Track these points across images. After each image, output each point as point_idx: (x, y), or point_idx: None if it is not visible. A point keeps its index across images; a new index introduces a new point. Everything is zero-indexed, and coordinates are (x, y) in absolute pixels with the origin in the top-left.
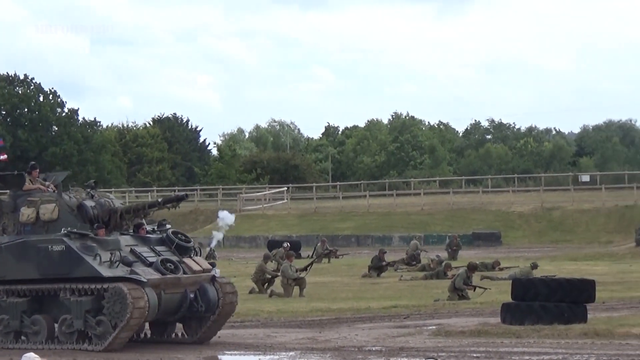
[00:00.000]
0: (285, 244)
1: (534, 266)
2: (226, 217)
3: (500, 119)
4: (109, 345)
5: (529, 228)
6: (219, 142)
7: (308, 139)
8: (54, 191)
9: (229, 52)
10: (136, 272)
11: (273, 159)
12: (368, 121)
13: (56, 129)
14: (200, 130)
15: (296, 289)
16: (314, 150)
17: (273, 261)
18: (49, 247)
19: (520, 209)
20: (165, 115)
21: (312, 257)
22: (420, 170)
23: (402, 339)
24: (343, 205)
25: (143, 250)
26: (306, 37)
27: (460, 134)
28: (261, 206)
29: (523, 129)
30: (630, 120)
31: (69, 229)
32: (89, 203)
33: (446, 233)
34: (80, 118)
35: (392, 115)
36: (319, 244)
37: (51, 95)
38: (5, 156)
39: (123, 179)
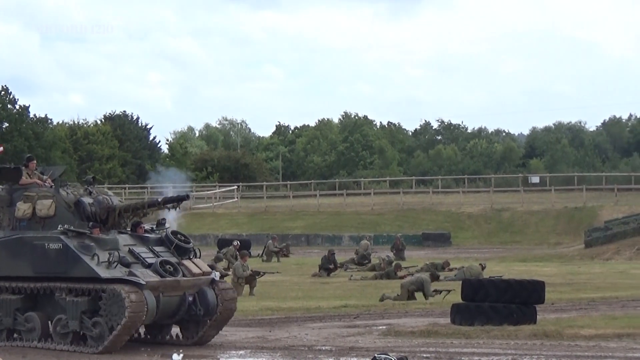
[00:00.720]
0: (235, 242)
1: (483, 267)
2: None
3: (450, 120)
4: (106, 348)
5: (479, 229)
6: (170, 140)
7: (259, 137)
8: (51, 186)
9: (180, 51)
10: (134, 273)
11: (223, 157)
12: (319, 120)
13: (7, 125)
14: (151, 128)
15: (246, 288)
16: (264, 149)
17: (224, 260)
18: (46, 244)
19: (470, 209)
20: (116, 113)
21: (262, 255)
22: (371, 170)
23: (352, 339)
24: (293, 205)
25: (142, 251)
26: (258, 36)
27: (411, 134)
28: (211, 205)
29: (473, 130)
30: (580, 122)
31: (65, 226)
32: (87, 200)
33: (396, 233)
34: (31, 115)
35: (343, 115)
36: (269, 242)
37: (3, 92)
38: (2, 148)
39: (74, 176)
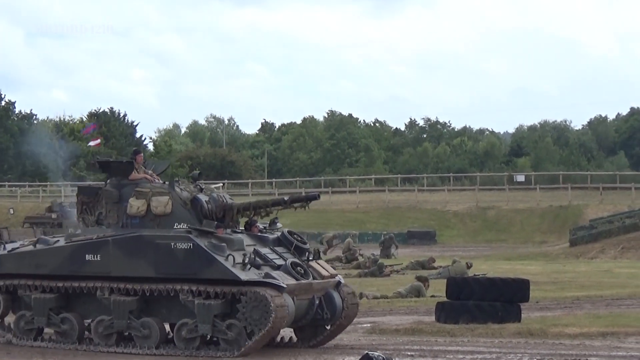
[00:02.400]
0: None
1: (469, 265)
2: None
3: (437, 118)
4: (242, 353)
5: (464, 227)
6: (155, 137)
7: (245, 135)
8: (164, 182)
9: (165, 48)
10: (272, 276)
11: (209, 154)
12: (304, 118)
13: None
14: (137, 125)
15: None
16: (250, 147)
17: None
18: (172, 244)
19: (456, 208)
20: (101, 110)
21: None
22: (356, 168)
23: (336, 337)
24: None
25: (266, 252)
26: (242, 33)
27: (396, 133)
28: None
29: (458, 128)
30: (565, 121)
31: (186, 225)
32: (203, 197)
33: (381, 231)
34: (16, 111)
35: (328, 113)
36: None
37: None
38: (99, 141)
39: (59, 173)
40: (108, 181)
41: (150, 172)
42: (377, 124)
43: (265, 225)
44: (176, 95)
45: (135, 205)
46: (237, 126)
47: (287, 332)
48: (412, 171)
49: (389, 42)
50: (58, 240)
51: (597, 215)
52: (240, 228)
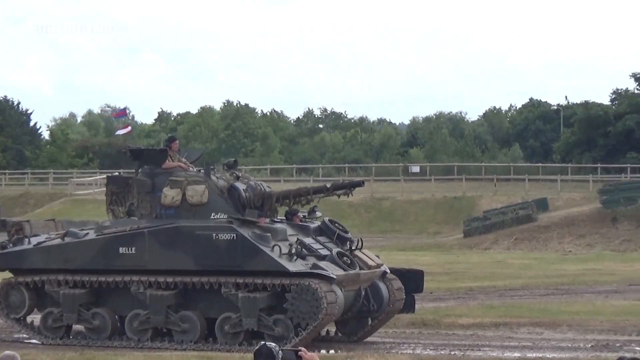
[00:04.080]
0: None
1: None
2: None
3: (333, 108)
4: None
5: (359, 217)
6: (51, 126)
7: (141, 124)
8: (199, 170)
9: (60, 36)
10: (320, 266)
11: (104, 144)
12: (201, 108)
13: None
14: (31, 113)
15: None
16: (146, 136)
17: None
18: (214, 235)
19: (351, 198)
20: None
21: None
22: (252, 158)
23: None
24: None
25: (310, 242)
26: (137, 22)
27: (293, 122)
28: (92, 191)
29: (356, 118)
30: (460, 113)
31: (223, 215)
32: (240, 186)
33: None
34: None
35: (225, 103)
36: None
37: None
38: (130, 128)
39: None
40: (140, 170)
41: (183, 160)
42: (274, 114)
43: (304, 214)
44: (72, 84)
45: (170, 194)
46: (133, 116)
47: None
48: (307, 161)
49: (287, 31)
50: (88, 233)
51: (490, 206)
52: (280, 217)
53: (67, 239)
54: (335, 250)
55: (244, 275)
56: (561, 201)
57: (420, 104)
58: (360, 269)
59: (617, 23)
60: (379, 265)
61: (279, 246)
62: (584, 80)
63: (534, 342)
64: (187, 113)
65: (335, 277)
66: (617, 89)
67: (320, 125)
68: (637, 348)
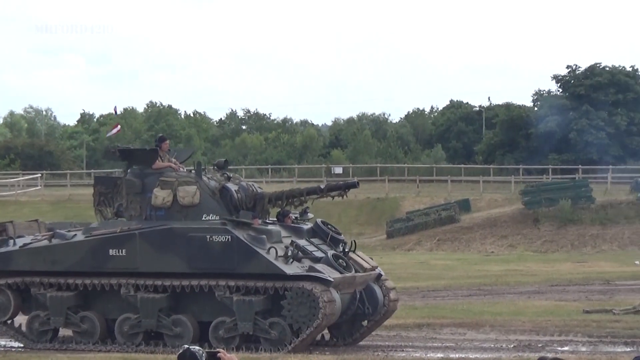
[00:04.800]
0: None
1: None
2: None
3: (257, 109)
4: (287, 352)
5: None
6: None
7: (63, 126)
8: (190, 171)
9: None
10: (316, 269)
11: (27, 145)
12: (123, 109)
13: None
14: None
15: None
16: (69, 138)
17: None
18: (207, 237)
19: None
20: None
21: None
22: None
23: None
24: None
25: (304, 244)
26: (58, 23)
27: (216, 124)
28: (14, 192)
29: (279, 120)
30: (383, 114)
31: (215, 216)
32: (232, 187)
33: None
34: None
35: (148, 104)
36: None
37: None
38: (119, 127)
39: None
40: (129, 170)
41: (173, 160)
42: (197, 115)
43: (296, 215)
44: None
45: (161, 195)
46: (55, 117)
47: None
48: (230, 163)
49: (210, 32)
50: (75, 235)
51: (413, 207)
52: (271, 218)
53: (54, 241)
54: (331, 252)
55: (238, 278)
56: (483, 202)
57: (344, 105)
58: (356, 271)
59: (539, 25)
60: (373, 268)
61: (275, 248)
62: (506, 81)
63: (457, 343)
64: (110, 114)
65: (332, 279)
66: (539, 91)
67: (244, 127)
68: (559, 348)
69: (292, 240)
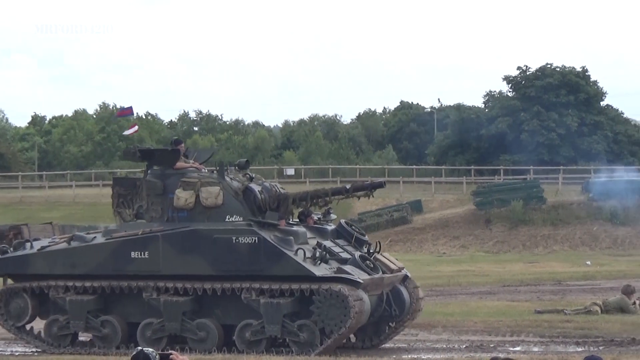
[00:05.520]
0: None
1: None
2: None
3: (209, 111)
4: (316, 355)
5: None
6: None
7: (14, 127)
8: (212, 171)
9: None
10: (345, 270)
11: None
12: (75, 111)
13: None
14: None
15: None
16: (20, 139)
17: None
18: (233, 238)
19: None
20: None
21: None
22: (127, 161)
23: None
24: (49, 195)
25: (330, 245)
26: (8, 23)
27: (167, 125)
28: None
29: (231, 121)
30: (335, 115)
31: (239, 217)
32: (255, 187)
33: None
34: None
35: (100, 106)
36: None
37: None
38: (137, 127)
39: None
40: (149, 171)
41: (191, 161)
42: (149, 117)
43: (319, 216)
44: None
45: (183, 197)
46: (7, 119)
47: None
48: None
49: (161, 34)
50: (95, 237)
51: (365, 208)
52: (295, 220)
53: (74, 243)
54: (358, 253)
55: (265, 280)
56: (435, 203)
57: (296, 106)
58: (383, 272)
59: (490, 25)
60: (400, 269)
61: (303, 250)
62: (457, 82)
63: (409, 344)
64: (62, 116)
65: (362, 281)
66: (490, 92)
67: (195, 128)
68: (511, 348)
69: (318, 242)
